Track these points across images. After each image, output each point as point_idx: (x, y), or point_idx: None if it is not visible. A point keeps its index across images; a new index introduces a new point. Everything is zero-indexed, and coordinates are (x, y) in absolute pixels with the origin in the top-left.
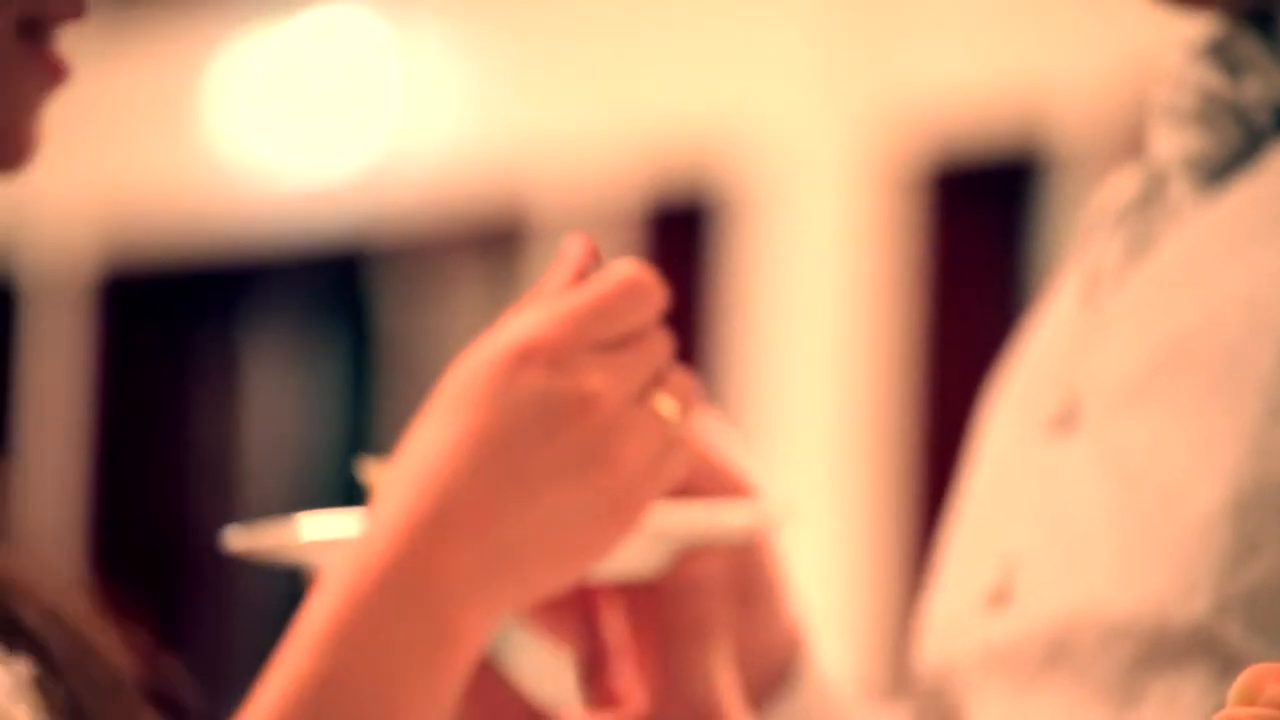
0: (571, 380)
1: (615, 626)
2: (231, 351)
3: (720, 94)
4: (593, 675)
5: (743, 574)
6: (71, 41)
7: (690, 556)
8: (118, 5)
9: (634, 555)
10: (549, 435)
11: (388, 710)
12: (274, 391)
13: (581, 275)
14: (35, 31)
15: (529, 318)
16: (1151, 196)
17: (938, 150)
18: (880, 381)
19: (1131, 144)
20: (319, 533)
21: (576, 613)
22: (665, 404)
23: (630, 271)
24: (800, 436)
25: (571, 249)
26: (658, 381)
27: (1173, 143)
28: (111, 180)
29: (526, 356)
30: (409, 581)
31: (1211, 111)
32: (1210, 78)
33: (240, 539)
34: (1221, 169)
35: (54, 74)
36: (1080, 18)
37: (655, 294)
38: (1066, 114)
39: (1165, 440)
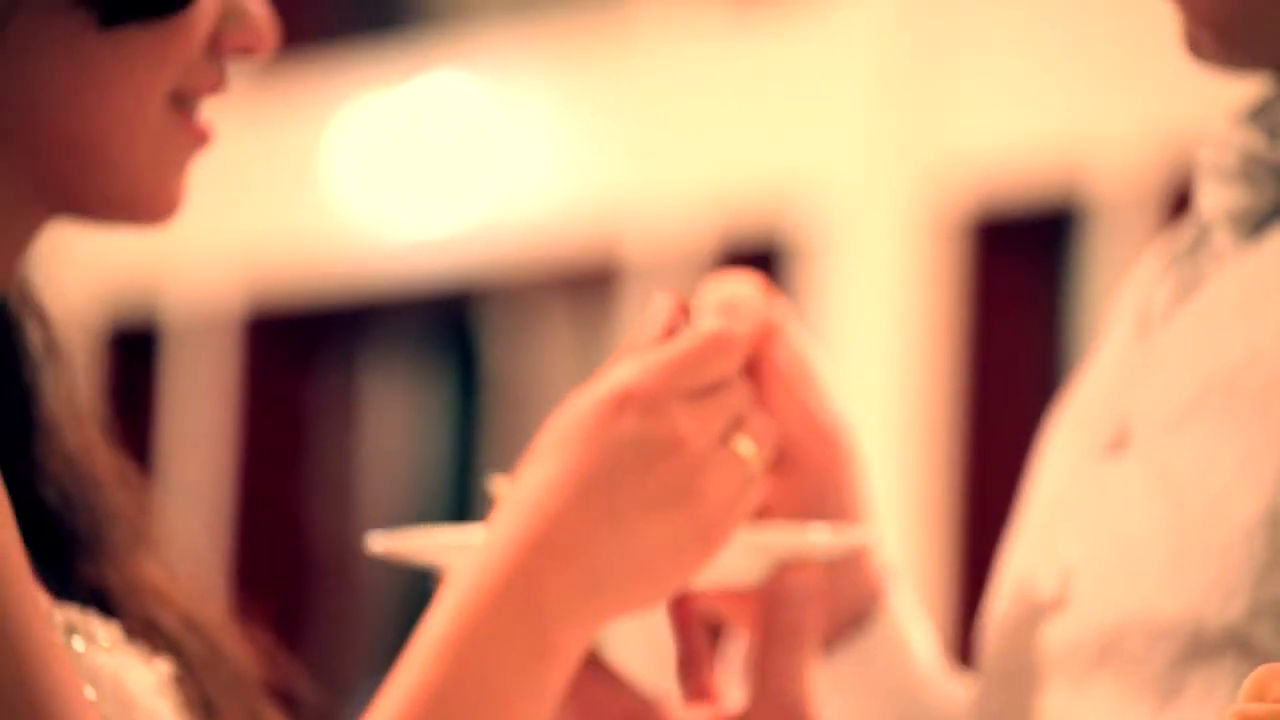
0: (662, 425)
1: (711, 629)
2: (353, 383)
3: (788, 153)
4: (688, 672)
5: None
6: (214, 105)
7: (786, 568)
8: (255, 73)
9: (734, 567)
10: (642, 474)
11: (497, 713)
12: (390, 419)
13: (671, 329)
14: (184, 102)
15: (626, 368)
16: (1198, 245)
17: (983, 202)
18: (930, 410)
19: (1162, 196)
20: (452, 539)
21: (677, 615)
22: (744, 445)
23: (715, 327)
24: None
25: (662, 304)
26: (737, 425)
27: (1218, 198)
28: (249, 229)
29: (623, 403)
30: (516, 603)
31: (1253, 170)
32: (1252, 139)
33: (381, 542)
34: (1262, 221)
35: (200, 140)
36: (1114, 78)
37: (736, 348)
38: (1102, 169)
39: (1209, 461)
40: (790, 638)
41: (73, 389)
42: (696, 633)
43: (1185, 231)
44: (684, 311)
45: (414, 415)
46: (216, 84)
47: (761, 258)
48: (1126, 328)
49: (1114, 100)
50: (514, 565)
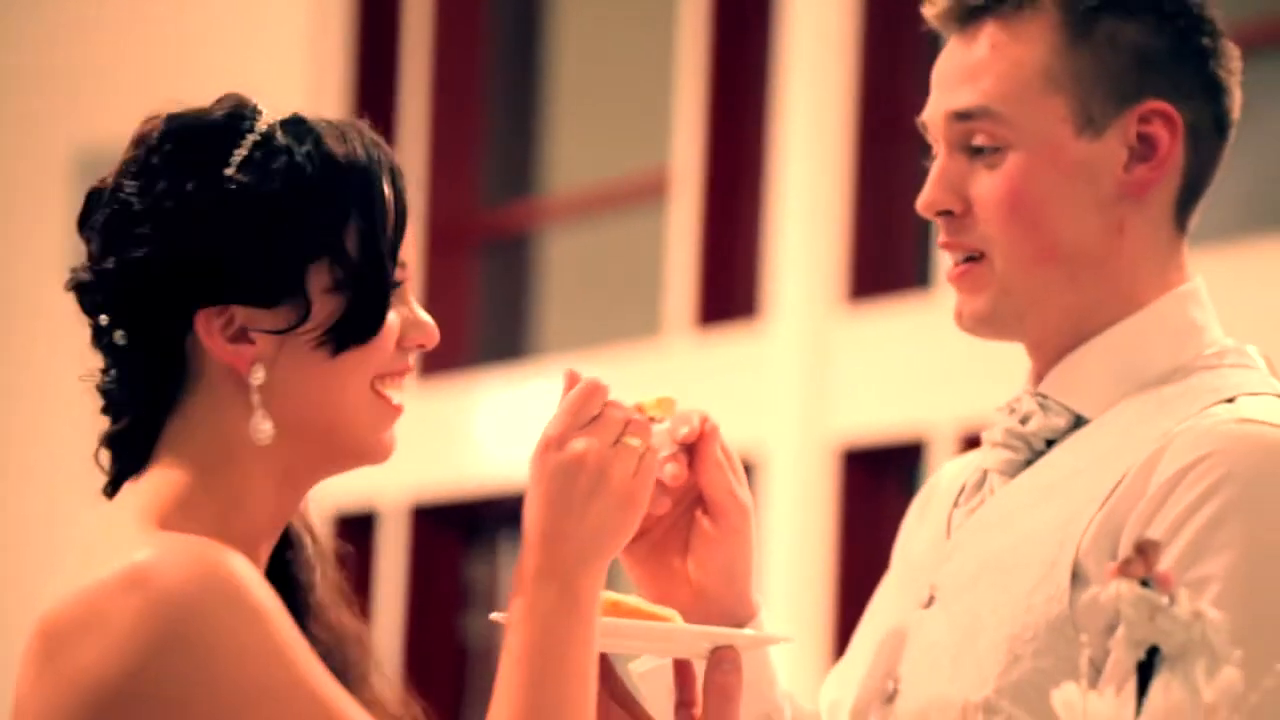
0: (568, 452)
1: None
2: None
3: (737, 424)
4: (682, 704)
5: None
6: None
7: (721, 649)
8: (426, 390)
9: (693, 648)
10: (570, 483)
11: (562, 645)
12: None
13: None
14: (382, 385)
15: (546, 425)
16: (980, 482)
17: (863, 446)
18: (819, 576)
19: (965, 443)
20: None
21: (677, 674)
22: (632, 440)
23: (585, 381)
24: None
25: (564, 378)
26: (624, 431)
27: (990, 455)
28: (417, 465)
29: (544, 447)
30: (545, 576)
31: (1010, 440)
32: (1011, 421)
33: (499, 617)
34: (1017, 469)
35: (396, 411)
36: (950, 374)
37: (602, 389)
38: (938, 427)
39: (980, 609)
40: (724, 693)
41: (336, 578)
42: (688, 685)
43: (972, 472)
44: (574, 379)
45: None
46: (404, 370)
47: None
48: (932, 530)
49: (949, 387)
50: (536, 563)
